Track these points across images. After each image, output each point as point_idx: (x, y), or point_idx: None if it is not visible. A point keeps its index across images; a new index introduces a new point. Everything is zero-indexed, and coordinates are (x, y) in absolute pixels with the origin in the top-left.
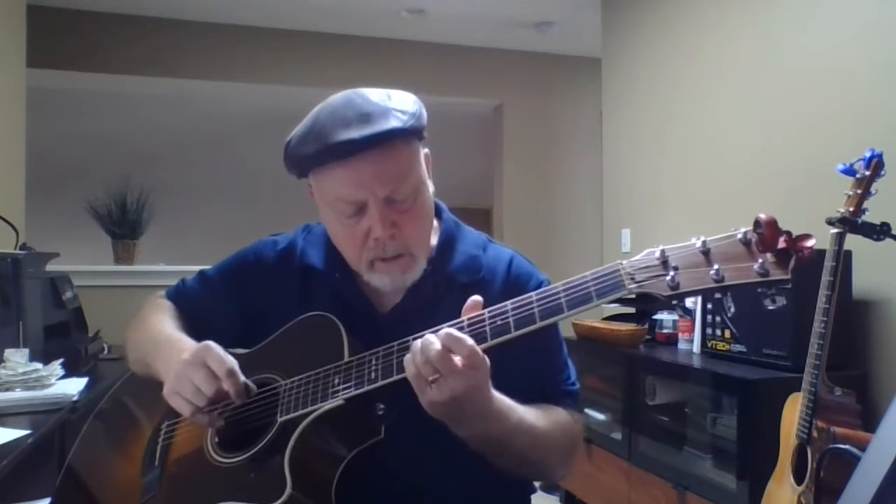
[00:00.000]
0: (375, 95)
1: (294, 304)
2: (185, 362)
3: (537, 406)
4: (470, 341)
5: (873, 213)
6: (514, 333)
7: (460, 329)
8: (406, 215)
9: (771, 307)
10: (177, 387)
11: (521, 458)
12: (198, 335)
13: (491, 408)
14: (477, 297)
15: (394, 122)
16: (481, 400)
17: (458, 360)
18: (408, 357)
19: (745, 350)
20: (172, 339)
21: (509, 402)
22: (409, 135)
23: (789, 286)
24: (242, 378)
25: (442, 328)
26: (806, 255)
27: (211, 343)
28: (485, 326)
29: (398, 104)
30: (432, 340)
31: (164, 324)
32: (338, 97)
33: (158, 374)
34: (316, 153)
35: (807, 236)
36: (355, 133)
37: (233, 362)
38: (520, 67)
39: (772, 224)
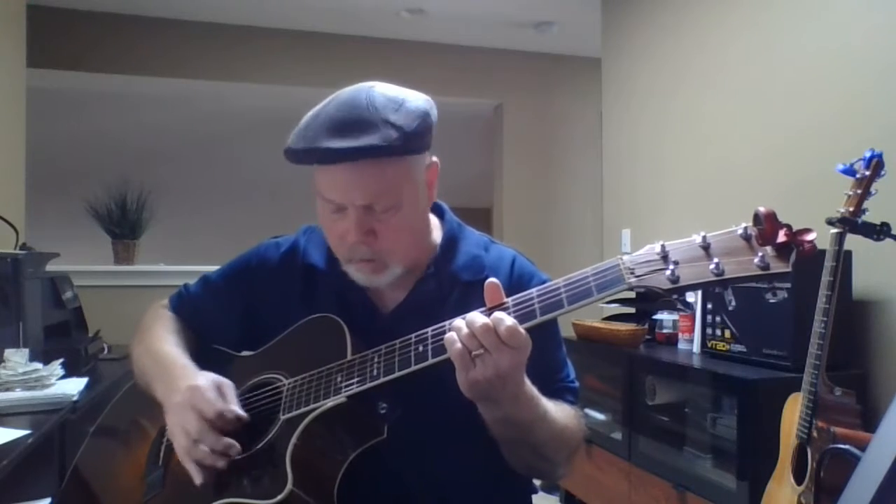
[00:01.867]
0: (382, 100)
1: (297, 305)
2: (176, 406)
3: (552, 400)
4: (512, 320)
5: (873, 213)
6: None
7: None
8: (384, 225)
9: (772, 300)
10: (173, 430)
11: (537, 450)
12: (202, 340)
13: (524, 391)
14: (494, 280)
15: (377, 140)
16: (518, 381)
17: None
18: (450, 334)
19: (745, 350)
20: (168, 364)
21: (536, 391)
22: (395, 152)
23: (790, 283)
24: (234, 413)
25: (470, 315)
26: (807, 249)
27: (199, 383)
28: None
29: (399, 117)
30: (477, 316)
31: (164, 341)
32: (349, 91)
33: (156, 395)
34: (302, 151)
35: (807, 230)
36: (336, 143)
37: (222, 404)
38: (520, 67)
39: (771, 217)
